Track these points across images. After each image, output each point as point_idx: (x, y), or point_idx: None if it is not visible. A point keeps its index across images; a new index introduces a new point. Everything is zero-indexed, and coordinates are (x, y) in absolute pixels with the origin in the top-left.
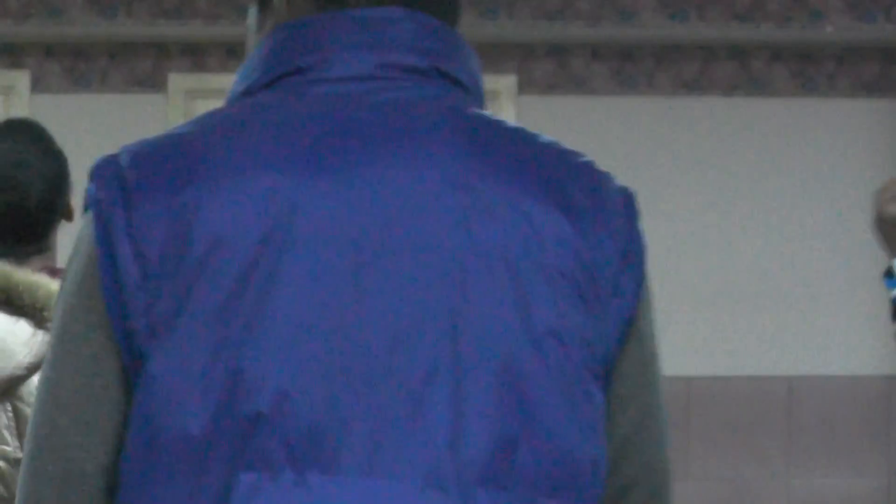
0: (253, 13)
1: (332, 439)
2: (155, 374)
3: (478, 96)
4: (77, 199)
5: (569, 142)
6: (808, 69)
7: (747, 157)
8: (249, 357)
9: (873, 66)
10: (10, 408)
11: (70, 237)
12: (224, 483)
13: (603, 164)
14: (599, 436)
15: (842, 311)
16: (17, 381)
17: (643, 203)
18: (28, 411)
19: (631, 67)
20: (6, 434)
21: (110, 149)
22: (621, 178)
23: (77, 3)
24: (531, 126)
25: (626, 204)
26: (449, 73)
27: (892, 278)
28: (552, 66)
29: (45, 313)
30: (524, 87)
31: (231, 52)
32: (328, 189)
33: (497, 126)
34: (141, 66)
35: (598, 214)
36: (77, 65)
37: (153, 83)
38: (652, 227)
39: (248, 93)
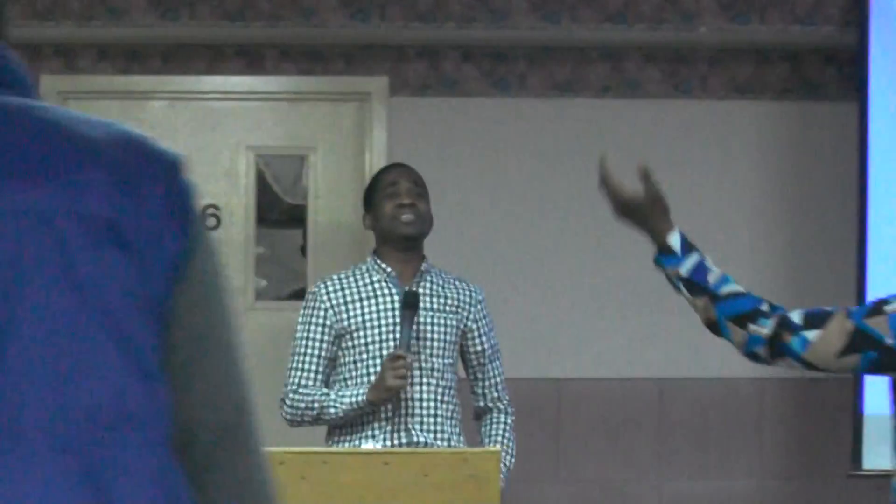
0: None
1: None
2: None
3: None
4: None
5: (441, 143)
6: (681, 71)
7: (620, 159)
8: None
9: (746, 68)
10: None
11: None
12: None
13: (475, 165)
14: (153, 374)
15: None
16: None
17: (513, 203)
18: None
19: (503, 69)
20: None
21: None
22: (493, 179)
23: None
24: (404, 128)
25: (167, 169)
26: None
27: (671, 255)
28: (424, 68)
29: None
30: (396, 88)
31: (103, 52)
32: None
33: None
34: None
35: (133, 175)
36: None
37: None
38: (522, 229)
39: None
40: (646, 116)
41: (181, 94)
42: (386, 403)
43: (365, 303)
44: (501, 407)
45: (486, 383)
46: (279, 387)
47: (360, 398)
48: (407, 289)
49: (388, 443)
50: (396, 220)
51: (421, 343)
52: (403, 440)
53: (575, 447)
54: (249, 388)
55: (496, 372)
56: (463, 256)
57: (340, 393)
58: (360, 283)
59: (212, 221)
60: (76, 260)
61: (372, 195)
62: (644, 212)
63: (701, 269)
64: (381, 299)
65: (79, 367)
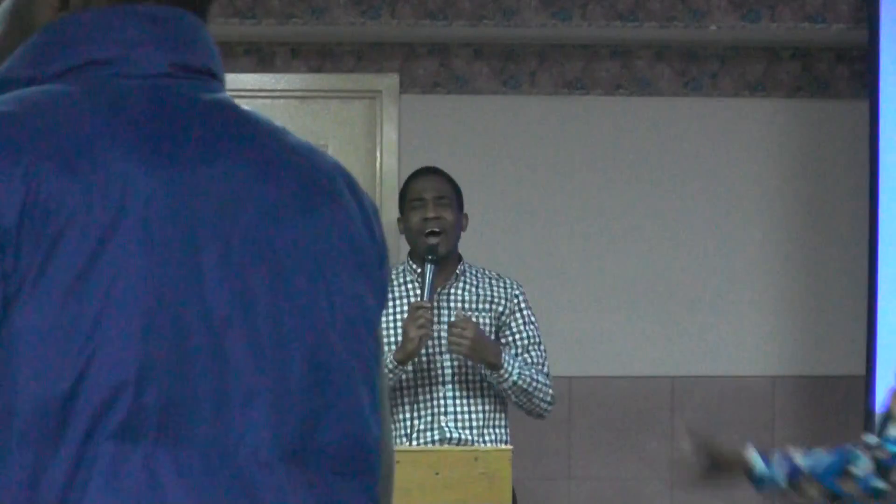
0: None
1: (181, 414)
2: (20, 328)
3: (224, 86)
4: None
5: (451, 141)
6: (692, 68)
7: (630, 157)
8: (106, 334)
9: (757, 66)
10: None
11: None
12: (80, 452)
13: (485, 162)
14: (378, 414)
15: (725, 310)
16: None
17: (524, 201)
18: None
19: (513, 66)
20: None
21: None
22: (504, 176)
23: None
24: (414, 125)
25: (370, 199)
26: (212, 69)
27: (761, 480)
28: (434, 66)
29: None
30: (406, 86)
31: None
32: (169, 180)
33: (268, 121)
34: None
35: (359, 205)
36: None
37: None
38: (533, 228)
39: (33, 80)
40: (656, 114)
41: None
42: (412, 357)
43: (397, 302)
44: None
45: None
46: None
47: (388, 360)
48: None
49: (422, 440)
50: (422, 236)
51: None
52: (437, 437)
53: (587, 445)
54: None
55: (536, 360)
56: (473, 253)
57: None
58: (395, 283)
59: None
60: (335, 294)
61: (402, 201)
62: (724, 464)
63: (790, 467)
64: (412, 301)
65: (329, 404)
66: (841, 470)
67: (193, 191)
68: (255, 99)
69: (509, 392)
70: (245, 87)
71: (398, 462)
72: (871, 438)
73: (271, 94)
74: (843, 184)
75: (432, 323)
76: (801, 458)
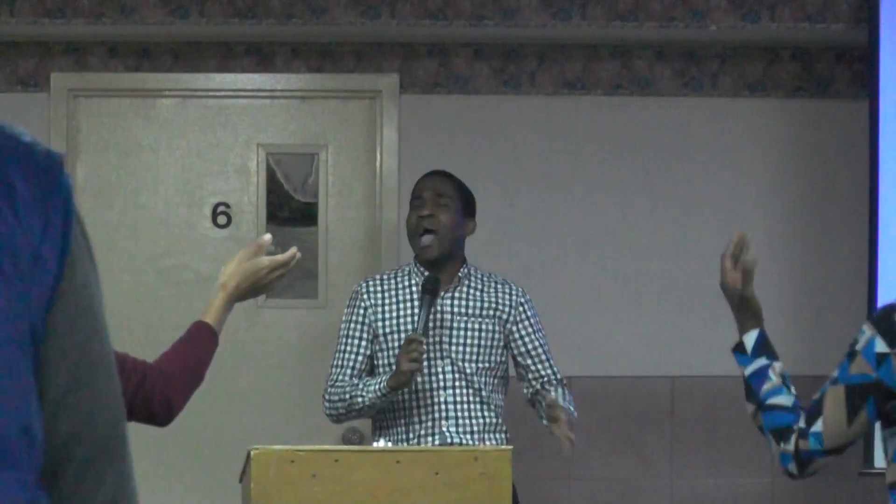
0: None
1: None
2: None
3: None
4: None
5: (451, 141)
6: (692, 68)
7: (630, 157)
8: None
9: (757, 66)
10: None
11: None
12: None
13: (485, 162)
14: (30, 403)
15: (725, 310)
16: None
17: (524, 201)
18: None
19: (513, 66)
20: None
21: None
22: (502, 178)
23: None
24: (414, 125)
25: (51, 176)
26: None
27: (743, 354)
28: (434, 66)
29: None
30: (406, 86)
31: (114, 50)
32: None
33: None
34: (24, 64)
35: (34, 196)
36: None
37: (36, 82)
38: (532, 227)
39: None
40: (656, 114)
41: (192, 92)
42: (404, 387)
43: (401, 305)
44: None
45: (533, 379)
46: (288, 384)
47: (381, 385)
48: (427, 275)
49: (421, 445)
50: (416, 236)
51: (454, 348)
52: (437, 442)
53: (587, 445)
54: (121, 397)
55: (544, 367)
56: (473, 254)
57: (367, 381)
58: (400, 285)
59: (222, 219)
60: None
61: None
62: (737, 301)
63: (760, 375)
64: (416, 303)
65: None
66: (777, 430)
67: None
68: (254, 99)
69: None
70: (245, 87)
71: (398, 462)
72: (801, 421)
73: (271, 94)
74: (843, 184)
75: (423, 357)
76: (770, 385)
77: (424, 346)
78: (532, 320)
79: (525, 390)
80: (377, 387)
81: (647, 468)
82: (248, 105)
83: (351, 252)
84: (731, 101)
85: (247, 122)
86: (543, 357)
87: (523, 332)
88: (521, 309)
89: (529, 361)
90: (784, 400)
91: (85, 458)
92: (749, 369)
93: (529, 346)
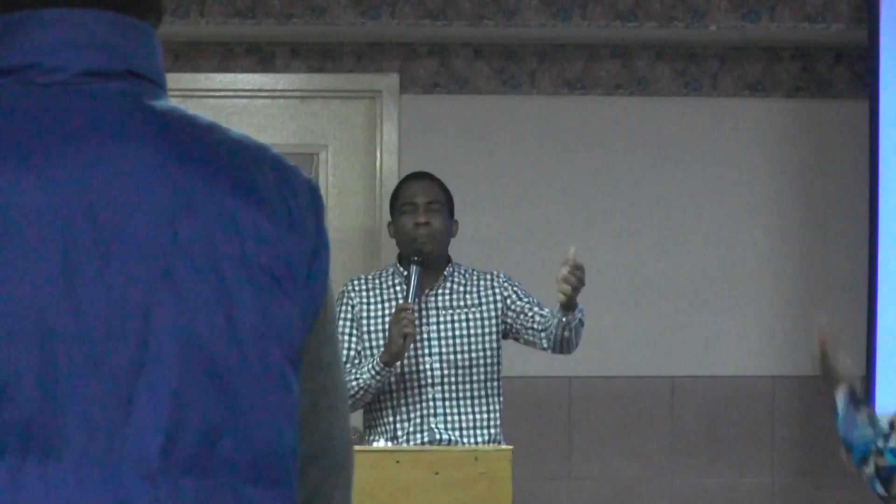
0: None
1: (50, 427)
2: None
3: (164, 89)
4: None
5: (451, 141)
6: (692, 68)
7: (630, 157)
8: None
9: (757, 66)
10: None
11: None
12: None
13: (485, 162)
14: (295, 423)
15: (726, 310)
16: None
17: (523, 201)
18: None
19: (513, 66)
20: None
21: None
22: (502, 178)
23: None
24: (414, 125)
25: (313, 199)
26: (136, 70)
27: (835, 412)
28: (434, 65)
29: None
30: (406, 86)
31: None
32: (34, 187)
33: (188, 120)
34: None
35: (289, 210)
36: None
37: None
38: (532, 226)
39: None
40: (656, 114)
41: (192, 92)
42: (399, 359)
43: (385, 304)
44: None
45: (541, 328)
46: None
47: (374, 363)
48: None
49: (410, 442)
50: (414, 241)
51: (443, 342)
52: (426, 439)
53: (586, 445)
54: (350, 419)
55: (548, 311)
56: (473, 253)
57: (358, 365)
58: (384, 285)
59: None
60: (235, 304)
61: (393, 205)
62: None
63: (848, 424)
64: (398, 303)
65: (230, 414)
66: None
67: (74, 195)
68: (255, 99)
69: (570, 329)
70: (245, 87)
71: (398, 462)
72: (879, 441)
73: (271, 94)
74: (843, 184)
75: (415, 324)
76: (851, 429)
77: (414, 314)
78: (516, 287)
79: (545, 342)
80: (370, 366)
81: (647, 468)
82: (249, 105)
83: (351, 252)
84: (731, 101)
85: (247, 122)
86: (543, 305)
87: (515, 298)
88: (505, 286)
89: (532, 313)
90: (867, 432)
91: (320, 477)
92: (840, 425)
93: (525, 301)
